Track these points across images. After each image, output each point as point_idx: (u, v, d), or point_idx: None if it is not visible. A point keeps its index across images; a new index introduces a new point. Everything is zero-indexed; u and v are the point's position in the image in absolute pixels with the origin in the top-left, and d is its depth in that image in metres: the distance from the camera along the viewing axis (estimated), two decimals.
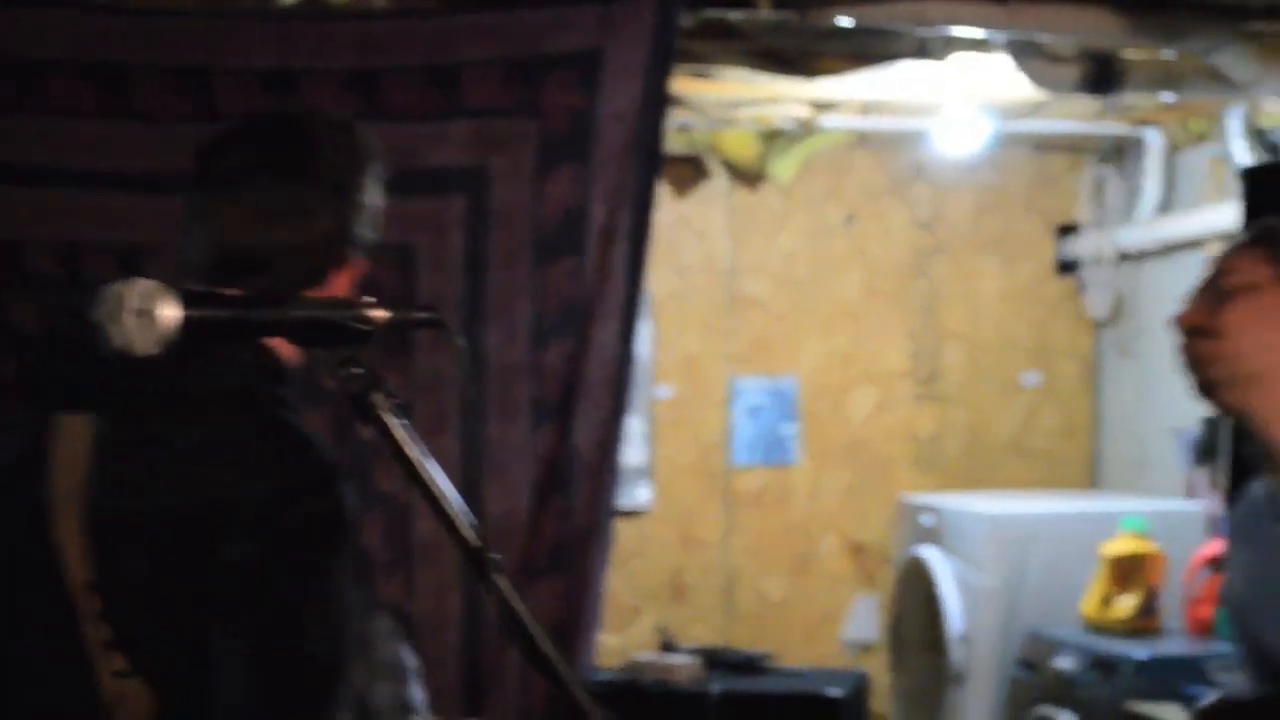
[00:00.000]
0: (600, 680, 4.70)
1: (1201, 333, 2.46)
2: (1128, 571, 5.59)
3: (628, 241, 4.33)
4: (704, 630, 6.74)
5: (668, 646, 4.98)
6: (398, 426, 1.59)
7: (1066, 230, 6.97)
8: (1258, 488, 2.58)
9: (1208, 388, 2.47)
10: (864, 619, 6.94)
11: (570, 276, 4.31)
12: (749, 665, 4.75)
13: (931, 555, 6.11)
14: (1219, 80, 4.85)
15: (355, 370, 1.58)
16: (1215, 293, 2.47)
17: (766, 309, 6.92)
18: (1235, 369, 2.43)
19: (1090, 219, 6.88)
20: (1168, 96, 5.27)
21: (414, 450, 1.59)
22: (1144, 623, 5.52)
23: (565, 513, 4.40)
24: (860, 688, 4.72)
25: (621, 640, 6.59)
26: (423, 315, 1.67)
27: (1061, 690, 5.45)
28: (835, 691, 4.51)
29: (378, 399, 1.58)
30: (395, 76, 4.29)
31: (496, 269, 4.30)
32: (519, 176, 4.27)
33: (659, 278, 6.76)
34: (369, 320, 1.62)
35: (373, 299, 1.63)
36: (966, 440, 7.03)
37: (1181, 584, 5.50)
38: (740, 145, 6.54)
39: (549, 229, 4.28)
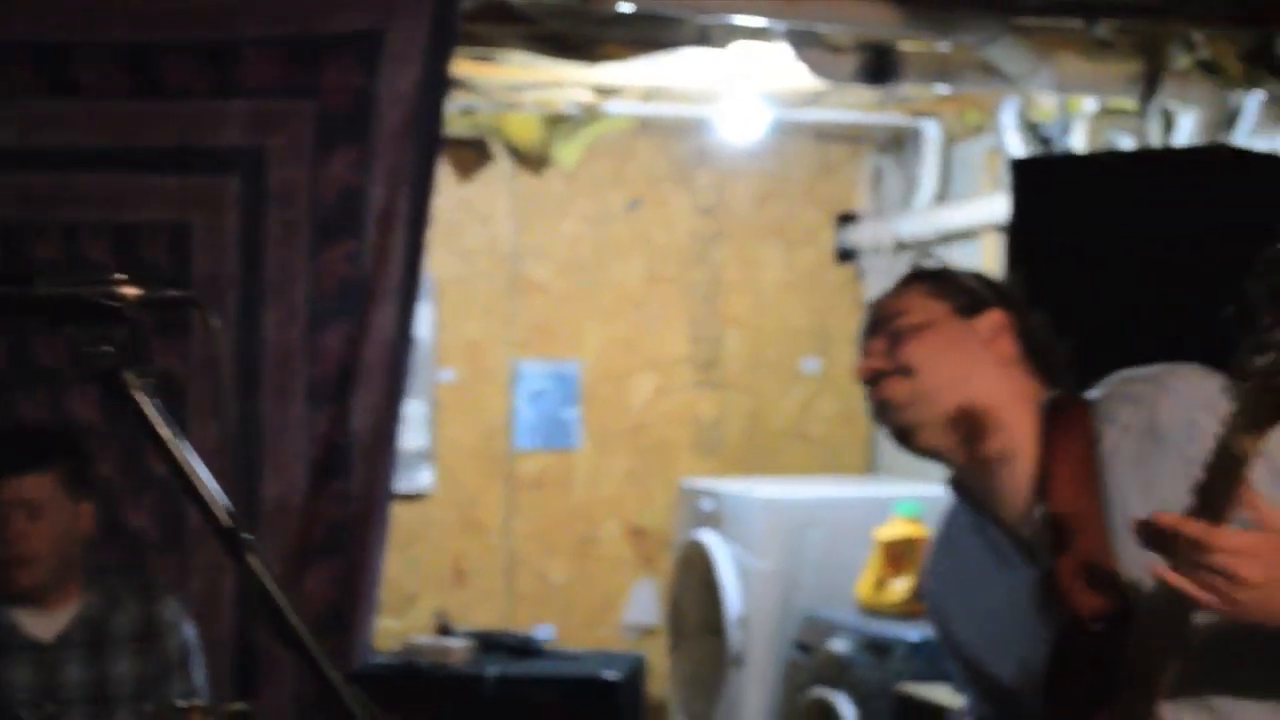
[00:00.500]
0: (376, 664, 4.66)
1: (890, 375, 2.37)
2: (901, 555, 5.69)
3: (407, 224, 4.32)
4: (486, 614, 6.73)
5: (444, 630, 4.95)
6: (149, 405, 1.56)
7: (846, 219, 7.07)
8: (958, 515, 2.55)
9: (906, 432, 2.38)
10: (644, 603, 6.98)
11: (348, 258, 4.29)
12: (525, 648, 4.74)
13: (710, 539, 6.17)
14: (993, 73, 4.96)
15: (105, 348, 1.55)
16: (891, 336, 2.39)
17: (549, 293, 6.93)
18: (934, 406, 2.35)
19: (869, 208, 6.99)
20: (943, 88, 5.37)
21: (166, 430, 1.56)
22: (917, 606, 5.61)
23: (342, 495, 4.38)
24: (637, 670, 4.73)
25: (402, 624, 6.56)
26: (176, 294, 1.64)
27: (836, 672, 5.53)
28: (612, 674, 4.51)
29: (129, 377, 1.55)
30: (172, 53, 4.23)
31: (273, 250, 4.26)
32: (297, 157, 4.24)
33: (441, 261, 6.74)
34: (118, 297, 1.59)
35: (123, 276, 1.60)
36: (747, 426, 7.10)
37: None
38: (523, 129, 6.53)
39: (327, 210, 4.25)
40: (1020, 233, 3.91)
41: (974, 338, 2.40)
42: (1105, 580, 2.25)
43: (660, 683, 6.75)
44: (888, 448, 7.00)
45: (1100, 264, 3.82)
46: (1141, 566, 2.15)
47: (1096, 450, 2.31)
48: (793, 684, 5.82)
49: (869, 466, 7.18)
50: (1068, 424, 2.35)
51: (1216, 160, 3.72)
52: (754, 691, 6.00)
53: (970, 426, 2.36)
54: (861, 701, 5.39)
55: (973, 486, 2.45)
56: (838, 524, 6.03)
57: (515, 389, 6.90)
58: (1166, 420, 2.27)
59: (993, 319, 2.41)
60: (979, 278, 2.49)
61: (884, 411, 2.41)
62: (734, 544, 6.09)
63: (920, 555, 5.68)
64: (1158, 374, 2.35)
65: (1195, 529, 1.98)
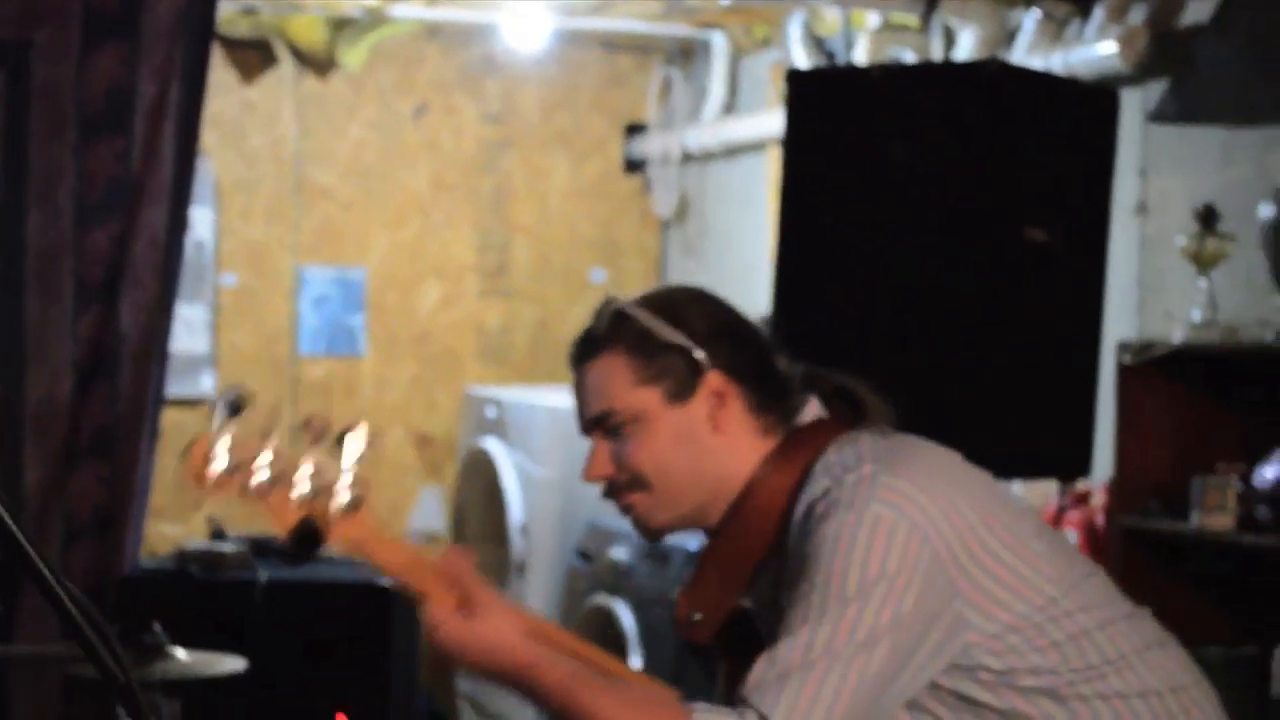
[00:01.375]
0: (145, 568, 4.61)
1: (624, 485, 2.29)
2: None
3: (178, 122, 4.24)
4: (269, 522, 6.66)
5: (217, 535, 4.89)
6: None
7: (634, 130, 7.06)
8: None
9: (650, 531, 2.32)
10: (430, 510, 6.96)
11: (116, 157, 4.20)
12: (297, 553, 4.69)
13: (494, 447, 6.16)
14: None
15: None
16: (610, 434, 2.28)
17: (334, 199, 6.84)
18: (678, 506, 2.27)
19: (657, 119, 6.98)
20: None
21: None
22: None
23: (110, 398, 4.30)
24: None
25: (184, 531, 6.47)
26: None
27: (616, 580, 5.57)
28: (385, 580, 4.49)
29: None
30: None
31: (38, 147, 4.15)
32: (63, 52, 4.13)
33: (224, 164, 6.63)
34: None
35: None
36: (534, 335, 7.09)
37: None
38: (308, 31, 6.42)
39: (94, 107, 4.15)
40: (796, 144, 3.93)
41: (697, 422, 2.24)
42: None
43: None
44: None
45: (872, 176, 3.86)
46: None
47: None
48: (574, 592, 5.85)
49: None
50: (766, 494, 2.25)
51: (987, 75, 3.76)
52: (536, 599, 6.03)
53: (718, 505, 2.27)
54: (640, 608, 5.43)
55: None
56: None
57: (299, 295, 6.82)
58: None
59: (709, 390, 2.24)
60: (678, 319, 2.25)
61: (626, 513, 2.33)
62: (517, 452, 6.09)
63: None
64: (874, 461, 2.17)
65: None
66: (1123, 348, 4.18)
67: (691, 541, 5.33)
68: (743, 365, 2.25)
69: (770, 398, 2.27)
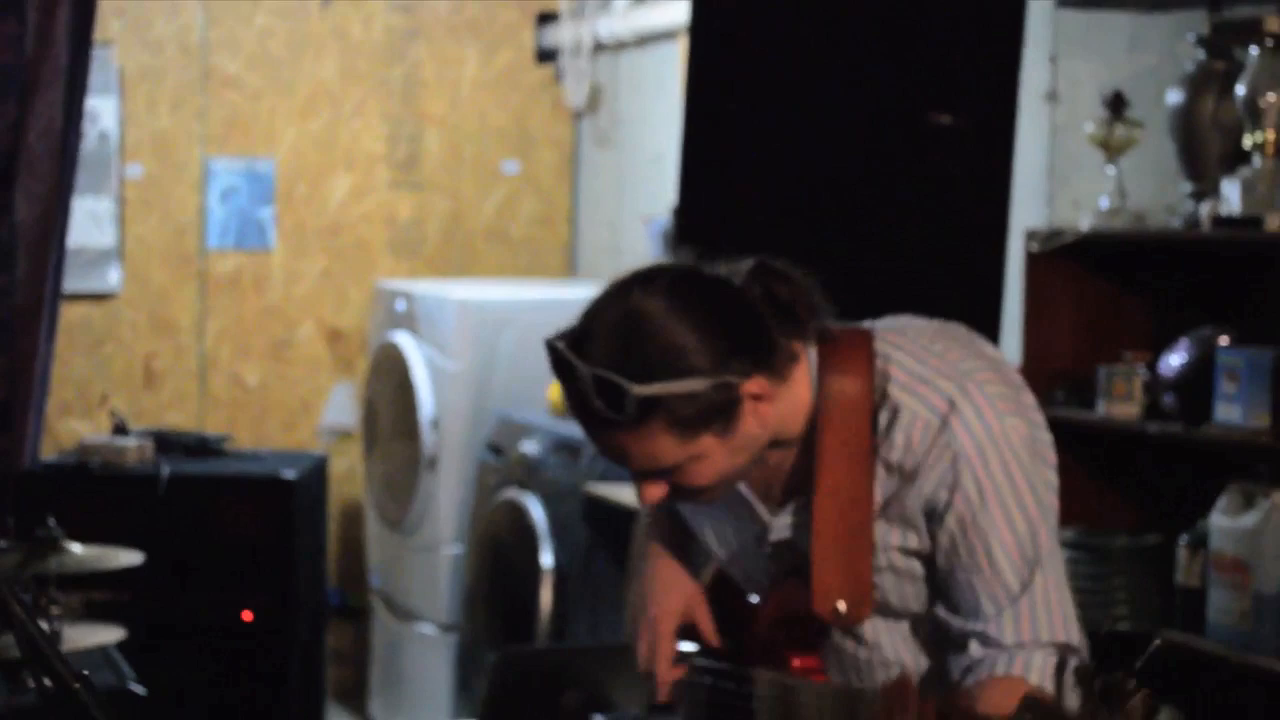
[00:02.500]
0: (46, 463, 4.56)
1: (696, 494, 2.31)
2: None
3: (72, 6, 4.15)
4: (178, 417, 6.61)
5: (120, 429, 4.84)
6: None
7: (546, 18, 6.97)
8: None
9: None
10: (341, 406, 6.91)
11: (8, 42, 4.11)
12: (203, 448, 4.66)
13: (404, 341, 6.12)
14: None
15: None
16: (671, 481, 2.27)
17: (242, 89, 6.74)
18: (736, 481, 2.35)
19: (568, 8, 6.89)
20: None
21: None
22: None
23: (5, 290, 4.23)
24: (318, 470, 4.69)
25: (89, 426, 6.41)
26: None
27: (526, 474, 5.54)
28: (290, 474, 4.46)
29: None
30: None
31: None
32: None
33: (127, 52, 6.51)
34: None
35: None
36: (446, 227, 7.02)
37: None
38: None
39: None
40: (701, 31, 3.89)
41: (746, 429, 2.24)
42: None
43: (357, 485, 6.72)
44: (588, 250, 7.06)
45: (779, 62, 3.82)
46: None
47: (873, 445, 2.27)
48: (485, 485, 5.83)
49: (569, 269, 7.16)
50: (843, 412, 2.27)
51: None
52: (446, 493, 6.01)
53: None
54: (550, 502, 5.41)
55: None
56: (532, 326, 5.92)
57: (207, 187, 6.73)
58: (953, 452, 2.24)
59: (748, 401, 2.22)
60: (685, 363, 2.17)
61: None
62: (428, 346, 6.05)
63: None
64: (960, 376, 2.26)
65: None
66: (1030, 235, 4.16)
67: None
68: (755, 352, 2.23)
69: (780, 353, 2.26)
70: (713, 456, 2.22)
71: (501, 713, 4.18)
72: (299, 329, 6.89)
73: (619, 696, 4.03)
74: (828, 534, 2.27)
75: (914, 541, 2.29)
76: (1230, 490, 3.76)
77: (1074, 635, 2.27)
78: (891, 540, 2.29)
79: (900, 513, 2.28)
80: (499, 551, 5.65)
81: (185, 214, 6.72)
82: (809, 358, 2.30)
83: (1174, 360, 3.92)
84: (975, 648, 2.24)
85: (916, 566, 2.31)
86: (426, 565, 6.11)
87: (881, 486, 2.27)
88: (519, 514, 5.51)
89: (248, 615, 4.46)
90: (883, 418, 2.26)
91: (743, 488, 2.39)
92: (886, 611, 2.34)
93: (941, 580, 2.29)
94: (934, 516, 2.26)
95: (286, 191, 6.81)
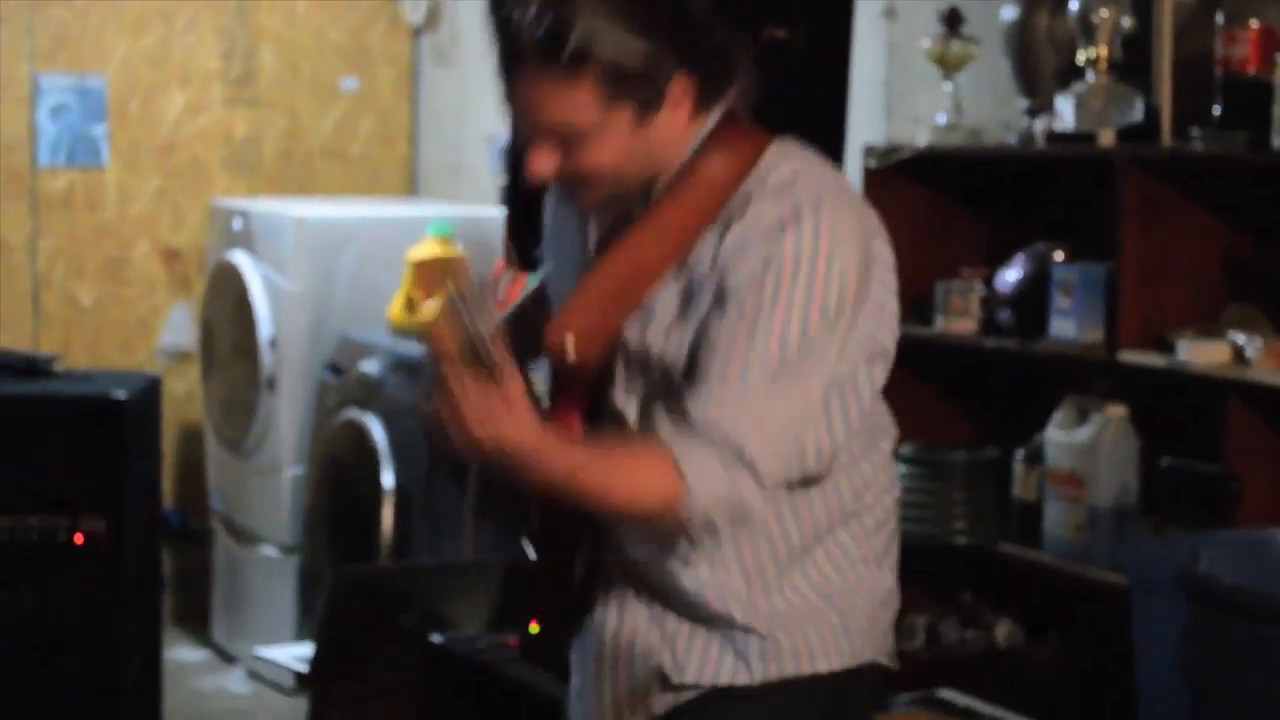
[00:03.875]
0: None
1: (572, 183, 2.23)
2: (432, 276, 5.63)
3: None
4: (10, 338, 6.45)
5: None
6: None
7: None
8: None
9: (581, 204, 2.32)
10: (179, 327, 6.79)
11: None
12: (29, 368, 4.53)
13: (242, 260, 6.01)
14: None
15: None
16: (564, 145, 2.17)
17: (70, 4, 6.55)
18: (609, 191, 2.24)
19: None
20: None
21: None
22: None
23: None
24: (150, 391, 4.57)
25: None
26: None
27: (366, 393, 5.49)
28: (120, 394, 4.34)
29: None
30: None
31: None
32: None
33: None
34: None
35: None
36: (283, 145, 6.89)
37: None
38: None
39: None
40: None
41: (658, 124, 2.16)
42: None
43: (196, 407, 6.61)
44: (428, 169, 6.97)
45: None
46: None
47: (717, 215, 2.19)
48: (325, 406, 5.76)
49: (409, 188, 7.07)
50: (700, 187, 2.19)
51: None
52: (286, 414, 5.93)
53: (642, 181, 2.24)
54: (391, 422, 5.37)
55: None
56: (371, 244, 5.94)
57: (36, 104, 6.55)
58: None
59: (674, 94, 2.15)
60: (645, 24, 2.11)
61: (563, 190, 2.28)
62: (265, 265, 5.95)
63: (454, 275, 5.65)
64: (821, 190, 2.17)
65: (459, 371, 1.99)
66: (868, 151, 4.15)
67: None
68: (698, 59, 2.17)
69: (713, 79, 2.19)
70: (617, 136, 2.14)
71: (339, 633, 4.15)
72: (134, 248, 6.75)
73: (457, 616, 4.01)
74: (598, 282, 2.22)
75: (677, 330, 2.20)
76: (1065, 404, 3.80)
77: (761, 456, 2.11)
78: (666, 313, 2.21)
79: (690, 297, 2.19)
80: (340, 472, 5.59)
81: (14, 132, 6.54)
82: (709, 120, 2.22)
83: (1010, 276, 3.94)
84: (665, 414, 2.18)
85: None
86: (267, 487, 6.04)
87: (714, 238, 2.18)
88: (360, 434, 5.45)
89: (78, 538, 4.35)
90: (732, 209, 2.17)
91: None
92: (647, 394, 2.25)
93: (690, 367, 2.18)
94: (720, 300, 2.14)
95: (119, 109, 6.64)
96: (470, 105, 6.56)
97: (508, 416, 2.01)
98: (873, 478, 2.31)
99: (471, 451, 2.03)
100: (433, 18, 6.76)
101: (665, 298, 2.20)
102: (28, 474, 4.32)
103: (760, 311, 2.11)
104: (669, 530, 2.17)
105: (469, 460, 2.11)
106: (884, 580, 2.35)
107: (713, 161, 2.19)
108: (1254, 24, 3.51)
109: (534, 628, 2.48)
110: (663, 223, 2.21)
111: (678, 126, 2.20)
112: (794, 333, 2.11)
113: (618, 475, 2.12)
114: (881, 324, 2.25)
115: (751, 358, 2.11)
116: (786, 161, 2.20)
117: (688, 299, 2.19)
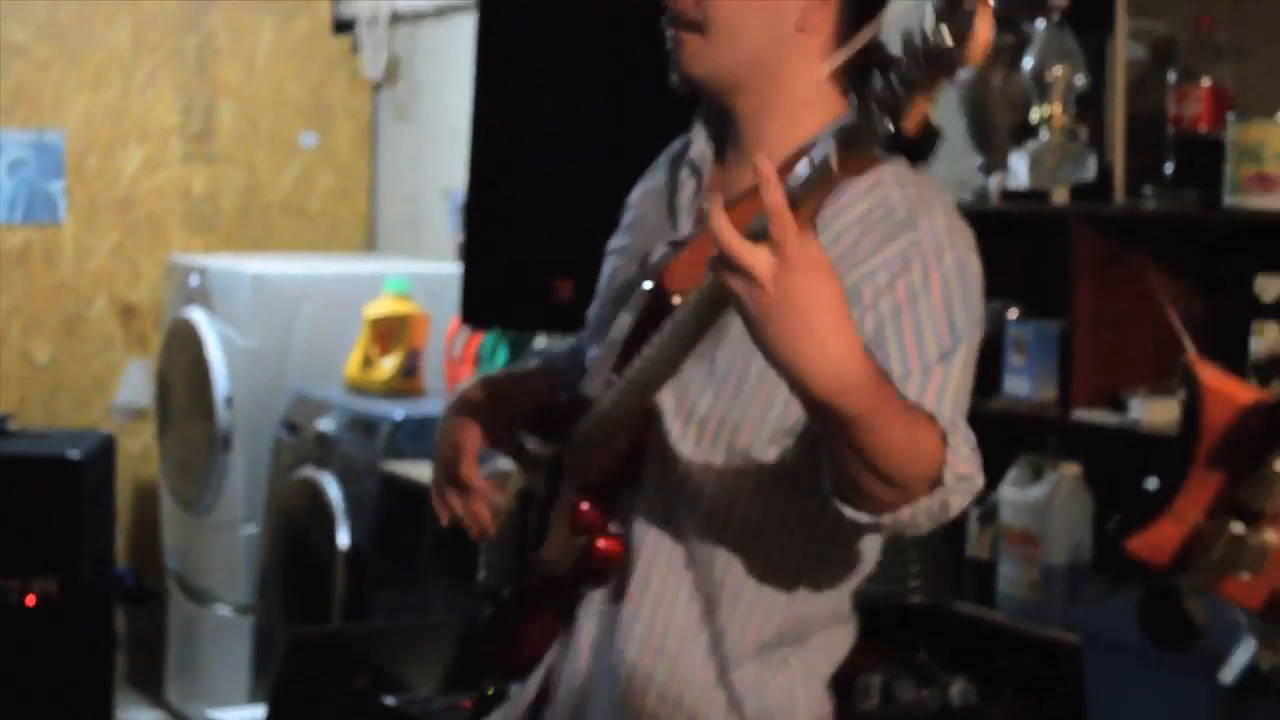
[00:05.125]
0: None
1: (691, 25, 2.18)
2: (390, 332, 5.63)
3: None
4: None
5: None
6: None
7: None
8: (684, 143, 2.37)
9: (689, 85, 2.23)
10: (136, 384, 6.78)
11: None
12: None
13: (198, 317, 6.00)
14: None
15: None
16: None
17: (29, 58, 6.56)
18: (719, 68, 2.19)
19: None
20: None
21: None
22: (405, 383, 5.59)
23: None
24: (105, 450, 4.58)
25: None
26: None
27: (323, 451, 5.47)
28: (74, 454, 4.35)
29: None
30: None
31: None
32: None
33: None
34: None
35: None
36: (242, 201, 6.90)
37: (444, 344, 5.58)
38: None
39: None
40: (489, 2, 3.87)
41: (791, 7, 2.16)
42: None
43: (153, 465, 6.59)
44: (387, 225, 6.97)
45: (567, 32, 3.80)
46: None
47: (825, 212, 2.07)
48: (281, 464, 5.74)
49: (368, 244, 7.08)
50: (841, 169, 1.90)
51: None
52: (242, 472, 5.92)
53: (749, 102, 2.20)
54: (347, 480, 5.35)
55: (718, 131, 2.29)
56: (329, 301, 5.94)
57: None
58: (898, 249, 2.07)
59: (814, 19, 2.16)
60: None
61: (670, 53, 2.22)
62: (221, 322, 5.94)
63: (412, 332, 5.66)
64: (938, 203, 2.13)
65: (783, 212, 1.73)
66: None
67: (397, 411, 5.25)
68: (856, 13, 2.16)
69: (855, 80, 2.12)
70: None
71: (293, 694, 4.13)
72: (91, 305, 6.74)
73: (411, 677, 3.99)
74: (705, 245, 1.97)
75: None
76: (1020, 462, 3.80)
77: (960, 424, 2.02)
78: None
79: None
80: (295, 531, 5.57)
81: None
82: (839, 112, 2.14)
83: None
84: None
85: None
86: (222, 546, 6.01)
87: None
88: (315, 492, 5.44)
89: (30, 599, 4.34)
90: (857, 187, 2.09)
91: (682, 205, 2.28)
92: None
93: None
94: (857, 298, 2.02)
95: (77, 164, 6.65)
96: (428, 159, 6.58)
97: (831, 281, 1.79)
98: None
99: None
100: (391, 73, 6.78)
101: None
102: None
103: (926, 301, 2.06)
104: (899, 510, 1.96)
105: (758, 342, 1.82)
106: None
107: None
108: (1205, 82, 3.54)
109: (489, 690, 2.47)
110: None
111: (796, 43, 2.17)
112: (958, 312, 2.08)
113: (912, 422, 1.91)
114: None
115: (932, 342, 2.05)
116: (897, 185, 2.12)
117: None
